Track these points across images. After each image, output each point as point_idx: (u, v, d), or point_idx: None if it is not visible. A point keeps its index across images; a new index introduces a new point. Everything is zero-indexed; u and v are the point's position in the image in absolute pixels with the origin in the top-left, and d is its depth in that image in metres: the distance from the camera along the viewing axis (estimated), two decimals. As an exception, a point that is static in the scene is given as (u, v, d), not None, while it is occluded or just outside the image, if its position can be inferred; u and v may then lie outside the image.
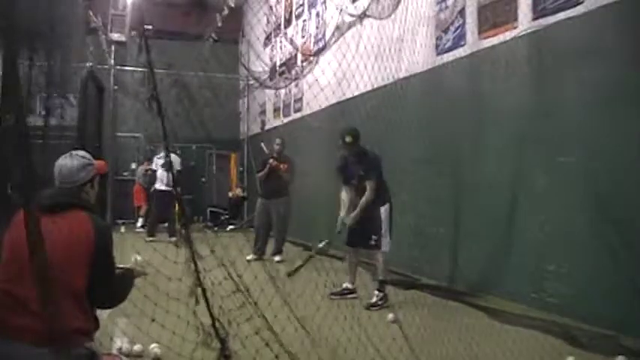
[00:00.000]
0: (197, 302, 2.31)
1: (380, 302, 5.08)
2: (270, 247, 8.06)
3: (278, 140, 8.05)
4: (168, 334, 2.79)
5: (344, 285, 5.50)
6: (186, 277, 2.34)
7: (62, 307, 1.86)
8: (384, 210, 5.28)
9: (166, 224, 9.89)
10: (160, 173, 10.00)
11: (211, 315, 2.35)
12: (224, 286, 2.53)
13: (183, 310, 2.59)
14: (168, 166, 8.94)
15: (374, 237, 5.21)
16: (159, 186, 10.02)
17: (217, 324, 2.33)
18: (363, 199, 5.23)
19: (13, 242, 2.06)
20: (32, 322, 1.91)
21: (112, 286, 2.26)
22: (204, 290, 2.31)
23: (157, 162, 10.26)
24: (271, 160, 7.84)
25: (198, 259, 2.29)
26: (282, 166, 7.78)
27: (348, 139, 5.24)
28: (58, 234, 2.02)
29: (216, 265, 2.48)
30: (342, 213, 5.40)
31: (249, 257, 7.56)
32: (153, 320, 2.78)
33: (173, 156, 9.80)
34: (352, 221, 5.25)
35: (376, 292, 5.14)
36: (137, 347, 3.55)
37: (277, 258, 7.84)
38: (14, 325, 1.96)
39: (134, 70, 12.49)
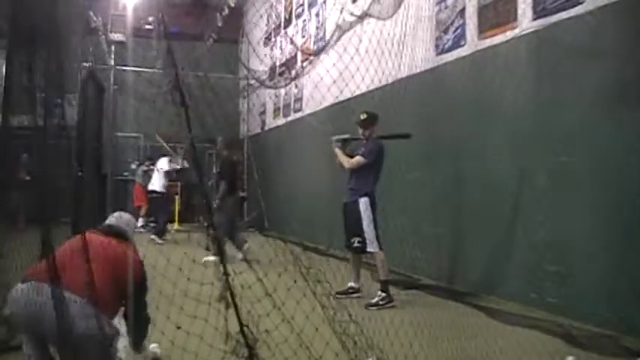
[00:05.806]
0: (227, 307, 2.29)
1: (381, 302, 5.08)
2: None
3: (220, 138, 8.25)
4: (195, 340, 2.70)
5: (349, 284, 5.51)
6: (215, 281, 2.34)
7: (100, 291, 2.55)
8: (362, 202, 5.23)
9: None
10: (156, 175, 10.32)
11: (240, 321, 2.31)
12: (253, 290, 2.52)
13: (201, 314, 2.59)
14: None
15: (357, 239, 5.22)
16: (151, 187, 10.37)
17: (246, 330, 2.28)
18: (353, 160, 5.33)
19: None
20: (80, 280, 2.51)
21: (140, 305, 3.01)
22: (232, 295, 2.28)
23: (162, 160, 10.53)
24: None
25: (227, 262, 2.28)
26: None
27: (362, 116, 5.45)
28: (110, 248, 2.91)
29: (246, 268, 2.54)
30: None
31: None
32: (178, 327, 2.77)
33: (163, 159, 10.16)
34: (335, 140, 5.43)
35: (379, 293, 5.15)
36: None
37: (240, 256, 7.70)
38: (68, 279, 2.44)
39: (134, 70, 12.49)
